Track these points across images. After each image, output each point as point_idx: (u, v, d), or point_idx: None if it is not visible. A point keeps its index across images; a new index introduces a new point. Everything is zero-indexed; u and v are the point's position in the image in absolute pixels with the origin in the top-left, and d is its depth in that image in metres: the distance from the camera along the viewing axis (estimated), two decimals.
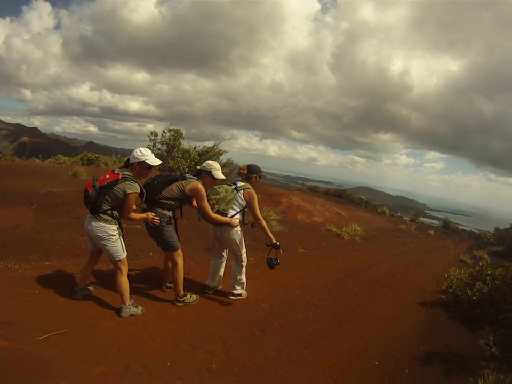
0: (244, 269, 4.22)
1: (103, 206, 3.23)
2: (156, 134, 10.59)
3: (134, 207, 3.39)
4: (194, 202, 3.84)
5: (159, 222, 3.49)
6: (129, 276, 4.41)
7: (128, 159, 3.40)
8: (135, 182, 3.26)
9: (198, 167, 3.91)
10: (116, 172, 3.32)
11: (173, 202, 3.63)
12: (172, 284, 3.98)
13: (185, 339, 3.23)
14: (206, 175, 3.82)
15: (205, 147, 10.60)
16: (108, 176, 3.28)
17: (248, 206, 4.00)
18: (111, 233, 3.27)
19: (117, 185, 3.21)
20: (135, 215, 3.38)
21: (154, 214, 3.49)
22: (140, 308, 3.57)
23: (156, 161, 3.40)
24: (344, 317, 4.28)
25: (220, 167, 3.94)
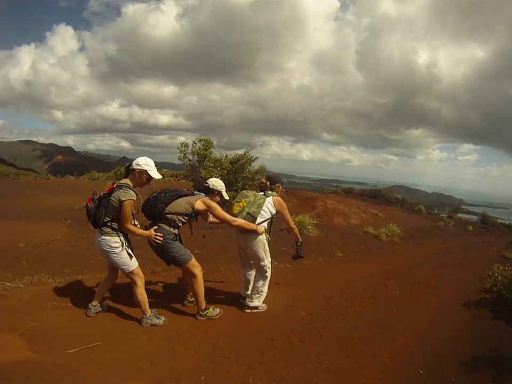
0: (268, 280, 4.03)
1: (104, 218, 3.19)
2: (186, 145, 10.69)
3: (135, 223, 3.34)
4: (210, 218, 3.76)
5: (161, 240, 3.36)
6: (163, 287, 4.40)
7: (128, 166, 3.33)
8: (130, 189, 3.17)
9: (206, 184, 3.79)
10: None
11: (180, 218, 3.50)
12: (193, 298, 3.81)
13: (220, 351, 3.11)
14: (216, 195, 3.77)
15: (236, 155, 10.57)
16: (106, 189, 3.25)
17: (281, 215, 3.98)
18: (113, 246, 3.20)
19: (113, 194, 3.15)
20: (135, 229, 3.29)
21: (157, 232, 3.38)
22: (163, 318, 3.49)
23: (157, 175, 3.32)
24: (387, 322, 4.04)
25: None
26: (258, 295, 4.00)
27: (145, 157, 3.31)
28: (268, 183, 4.08)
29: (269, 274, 4.01)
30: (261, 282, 3.99)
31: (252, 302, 4.00)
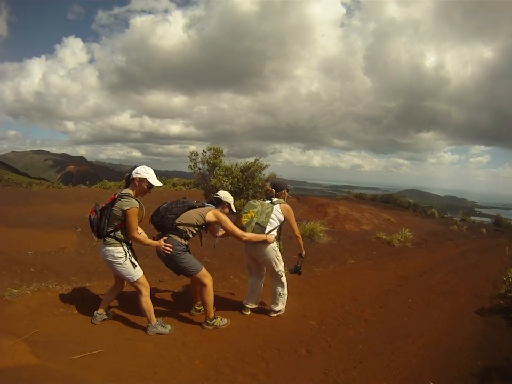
0: (285, 284, 4.04)
1: (107, 229, 3.20)
2: (196, 154, 10.74)
3: (140, 232, 3.33)
4: (220, 232, 3.79)
5: (171, 251, 3.34)
6: (171, 296, 4.40)
7: (128, 176, 3.33)
8: (132, 197, 3.17)
9: (217, 196, 3.82)
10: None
11: (191, 229, 3.50)
12: (201, 307, 3.79)
13: (225, 361, 3.06)
14: (226, 207, 3.79)
15: (246, 163, 10.54)
16: (108, 200, 3.27)
17: (287, 222, 3.96)
18: (116, 256, 3.20)
19: (115, 205, 3.15)
20: (143, 238, 3.29)
21: (167, 243, 3.37)
22: (168, 327, 3.46)
23: (157, 183, 3.32)
24: (398, 331, 3.92)
25: None
26: (281, 299, 4.05)
27: (144, 166, 3.31)
28: (273, 190, 4.07)
29: (284, 278, 4.02)
30: (279, 288, 4.01)
31: (277, 306, 4.06)
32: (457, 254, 9.52)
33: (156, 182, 3.29)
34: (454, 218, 20.68)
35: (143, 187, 3.26)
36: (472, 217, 24.07)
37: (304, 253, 4.18)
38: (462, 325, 4.27)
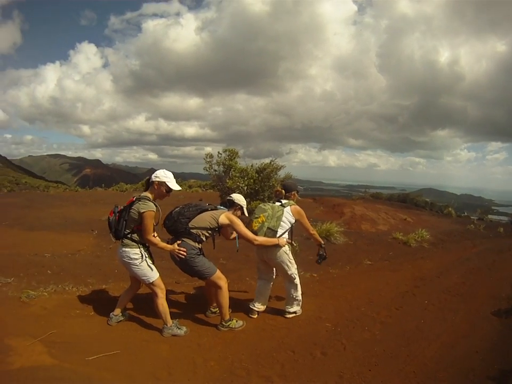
0: (299, 286, 4.03)
1: (125, 230, 3.26)
2: (211, 156, 10.75)
3: (155, 235, 3.35)
4: (234, 235, 3.80)
5: (185, 255, 3.36)
6: (187, 297, 4.44)
7: (148, 179, 3.37)
8: (149, 201, 3.21)
9: (230, 198, 3.83)
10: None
11: (204, 232, 3.51)
12: (217, 309, 3.80)
13: (240, 363, 3.05)
14: (238, 209, 3.79)
15: (262, 164, 10.50)
16: (126, 202, 3.33)
17: (300, 223, 3.96)
18: (132, 257, 3.25)
19: (132, 207, 3.21)
20: (157, 241, 3.32)
21: (180, 247, 3.39)
22: (184, 329, 3.48)
23: (176, 187, 3.34)
24: (414, 333, 3.85)
25: None
26: (295, 301, 4.04)
27: (164, 169, 3.35)
28: (283, 191, 4.05)
29: (297, 280, 4.00)
30: (293, 290, 4.00)
31: (292, 307, 4.05)
32: (474, 254, 9.31)
33: (174, 186, 3.32)
34: (471, 217, 20.19)
35: (162, 191, 3.30)
36: (490, 216, 23.43)
37: (323, 243, 4.23)
38: (479, 327, 4.17)
